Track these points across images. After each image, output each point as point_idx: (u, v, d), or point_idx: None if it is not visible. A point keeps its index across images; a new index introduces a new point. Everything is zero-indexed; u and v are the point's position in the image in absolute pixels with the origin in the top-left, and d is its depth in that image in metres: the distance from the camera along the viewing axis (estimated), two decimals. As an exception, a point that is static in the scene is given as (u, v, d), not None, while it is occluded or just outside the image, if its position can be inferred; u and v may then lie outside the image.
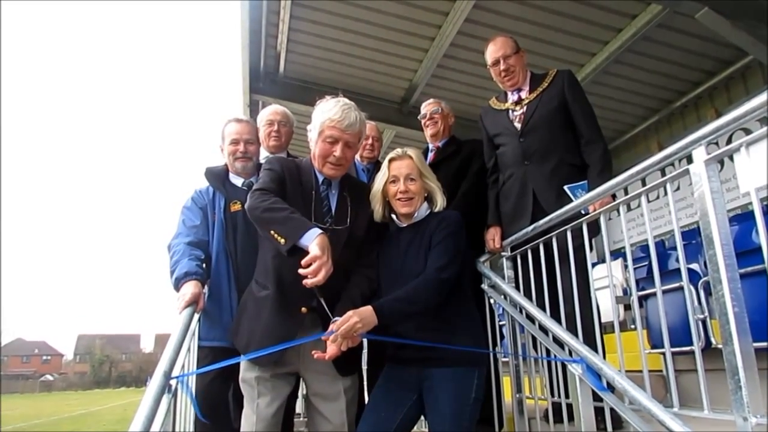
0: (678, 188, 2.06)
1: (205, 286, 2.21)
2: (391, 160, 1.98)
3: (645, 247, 4.59)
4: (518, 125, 2.54)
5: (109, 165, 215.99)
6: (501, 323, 2.60)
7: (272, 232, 1.70)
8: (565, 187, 2.36)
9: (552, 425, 2.26)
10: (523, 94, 2.59)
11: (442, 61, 4.82)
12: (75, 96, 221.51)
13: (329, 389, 1.85)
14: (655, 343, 3.11)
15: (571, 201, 2.20)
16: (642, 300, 3.31)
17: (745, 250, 2.56)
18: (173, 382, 1.52)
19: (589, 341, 1.90)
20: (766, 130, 1.25)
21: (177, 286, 2.05)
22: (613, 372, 1.65)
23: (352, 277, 1.89)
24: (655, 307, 2.80)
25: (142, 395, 1.31)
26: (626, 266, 3.82)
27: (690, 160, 1.44)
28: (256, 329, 1.85)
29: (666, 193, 1.70)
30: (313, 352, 1.66)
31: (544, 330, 2.09)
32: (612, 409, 1.75)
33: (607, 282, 2.00)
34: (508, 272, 2.53)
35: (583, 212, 2.10)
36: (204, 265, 2.22)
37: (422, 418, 1.96)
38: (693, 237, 3.99)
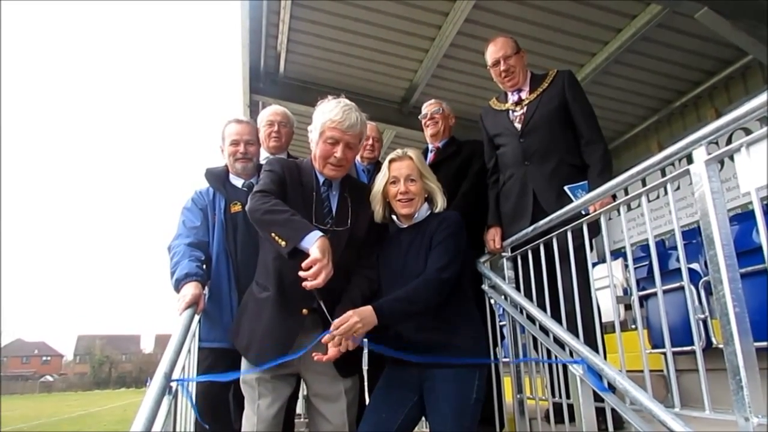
0: (678, 188, 2.06)
1: (206, 287, 2.21)
2: (391, 161, 1.98)
3: (645, 247, 4.59)
4: (518, 126, 2.54)
5: (109, 165, 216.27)
6: (501, 324, 2.59)
7: (273, 234, 1.70)
8: (566, 188, 2.36)
9: (553, 426, 2.25)
10: (524, 95, 2.59)
11: (442, 61, 4.82)
12: (75, 96, 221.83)
13: (330, 390, 1.85)
14: (656, 343, 3.10)
15: (572, 201, 2.20)
16: (642, 300, 3.31)
17: (745, 250, 2.55)
18: (174, 384, 1.52)
19: (590, 341, 1.90)
20: (766, 130, 1.25)
21: (177, 287, 2.05)
22: (614, 372, 1.65)
23: (353, 278, 1.89)
24: (656, 306, 2.80)
25: (142, 396, 1.31)
26: (627, 266, 3.83)
27: (690, 160, 1.44)
28: (256, 330, 1.85)
29: (666, 193, 1.70)
30: (313, 354, 1.66)
31: (544, 330, 2.08)
32: (613, 410, 1.75)
33: (608, 282, 2.00)
34: (509, 273, 2.53)
35: (583, 212, 2.10)
36: (204, 266, 2.21)
37: (423, 418, 1.96)
38: (693, 237, 3.99)
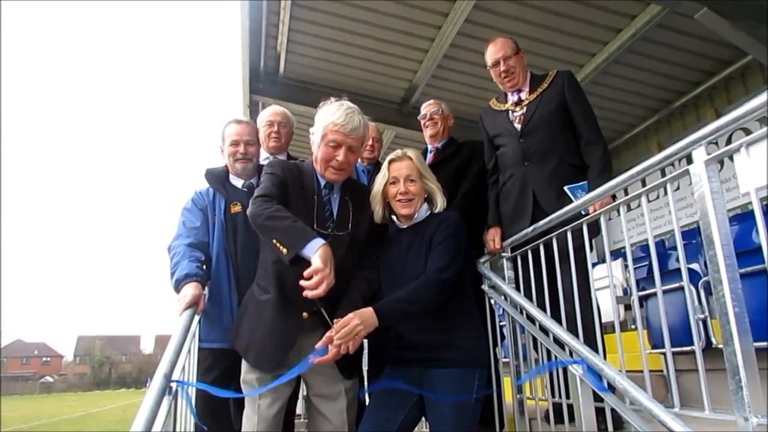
0: (678, 188, 2.06)
1: (206, 288, 2.21)
2: (390, 162, 1.97)
3: (645, 247, 4.59)
4: (518, 126, 2.54)
5: (109, 166, 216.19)
6: (501, 324, 2.59)
7: (275, 241, 1.69)
8: (565, 188, 2.36)
9: (553, 426, 2.25)
10: (523, 95, 2.59)
11: (442, 61, 4.82)
12: (75, 96, 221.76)
13: (330, 390, 1.85)
14: (656, 343, 3.10)
15: (571, 201, 2.20)
16: (642, 300, 3.31)
17: (745, 250, 2.55)
18: (174, 384, 1.52)
19: (590, 341, 1.90)
20: (766, 130, 1.25)
21: (177, 287, 2.05)
22: (614, 372, 1.65)
23: (353, 281, 1.88)
24: (656, 307, 2.80)
25: (142, 397, 1.32)
26: (626, 266, 3.82)
27: (690, 160, 1.44)
28: (256, 332, 1.85)
29: (666, 194, 1.70)
30: (313, 358, 1.65)
31: (544, 330, 2.08)
32: (613, 410, 1.75)
33: (608, 282, 2.00)
34: (509, 273, 2.52)
35: (583, 213, 2.10)
36: (204, 267, 2.21)
37: (423, 418, 1.96)
38: (693, 237, 3.99)
